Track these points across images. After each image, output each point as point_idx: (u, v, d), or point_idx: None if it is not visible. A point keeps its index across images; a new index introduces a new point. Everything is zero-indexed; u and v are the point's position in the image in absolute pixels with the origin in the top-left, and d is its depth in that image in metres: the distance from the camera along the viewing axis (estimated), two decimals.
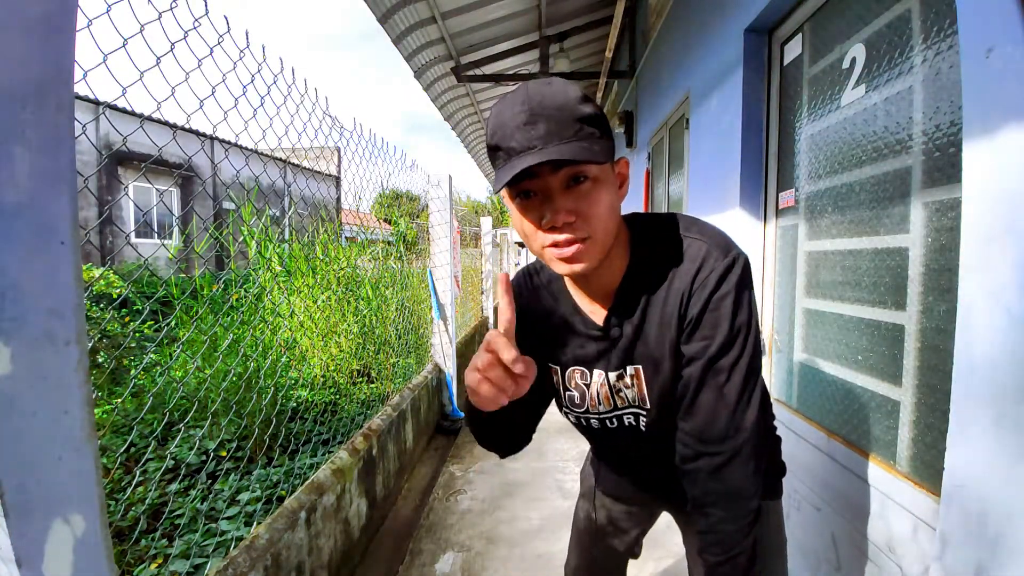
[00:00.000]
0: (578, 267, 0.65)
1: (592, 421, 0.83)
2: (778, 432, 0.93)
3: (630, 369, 0.75)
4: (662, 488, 0.93)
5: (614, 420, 0.81)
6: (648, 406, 0.77)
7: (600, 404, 0.80)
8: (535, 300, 0.83)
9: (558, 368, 0.82)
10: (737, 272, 0.67)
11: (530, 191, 0.64)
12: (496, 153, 0.63)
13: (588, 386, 0.80)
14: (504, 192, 0.66)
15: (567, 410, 0.85)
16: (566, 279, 0.79)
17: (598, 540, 1.07)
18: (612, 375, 0.77)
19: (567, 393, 0.83)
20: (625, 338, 0.74)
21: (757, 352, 0.69)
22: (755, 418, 0.69)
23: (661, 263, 0.70)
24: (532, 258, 0.83)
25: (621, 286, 0.73)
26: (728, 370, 0.67)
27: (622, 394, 0.78)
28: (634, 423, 0.80)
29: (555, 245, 0.64)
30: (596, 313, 0.76)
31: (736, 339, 0.67)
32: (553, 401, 0.88)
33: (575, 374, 0.80)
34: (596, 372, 0.78)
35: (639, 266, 0.72)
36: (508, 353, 0.57)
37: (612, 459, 0.98)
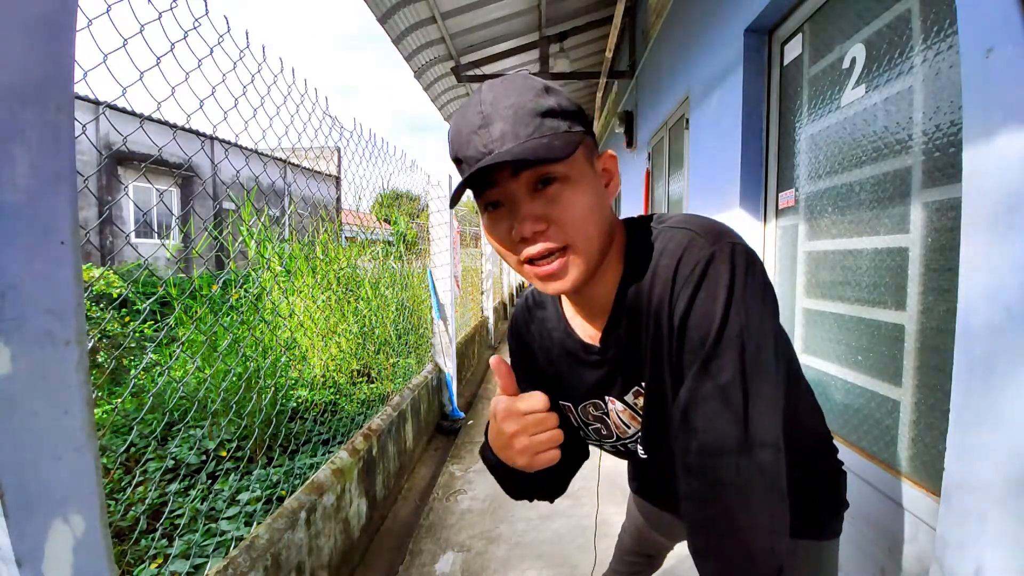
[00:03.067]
0: (564, 283, 0.57)
1: (630, 446, 0.74)
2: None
3: (645, 387, 0.65)
4: (676, 511, 0.88)
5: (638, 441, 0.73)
6: (641, 429, 0.70)
7: (629, 427, 0.71)
8: (535, 333, 0.77)
9: (571, 405, 0.75)
10: (725, 262, 0.54)
11: (496, 202, 0.56)
12: (459, 165, 0.57)
13: (607, 415, 0.72)
14: (476, 206, 0.59)
15: (600, 443, 0.78)
16: (561, 300, 0.73)
17: (640, 522, 1.09)
18: (628, 397, 0.68)
19: (591, 427, 0.76)
20: (623, 357, 0.65)
21: (766, 367, 0.54)
22: (774, 449, 0.53)
23: (649, 264, 0.60)
24: None
25: (616, 299, 0.63)
26: (720, 394, 0.53)
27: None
28: (632, 447, 0.75)
29: (531, 261, 0.56)
30: (594, 335, 0.68)
31: (730, 352, 0.53)
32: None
33: (589, 408, 0.73)
34: (608, 399, 0.70)
35: (632, 273, 0.62)
36: (538, 402, 0.59)
37: (631, 476, 0.97)
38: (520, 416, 0.60)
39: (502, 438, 0.61)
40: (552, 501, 0.78)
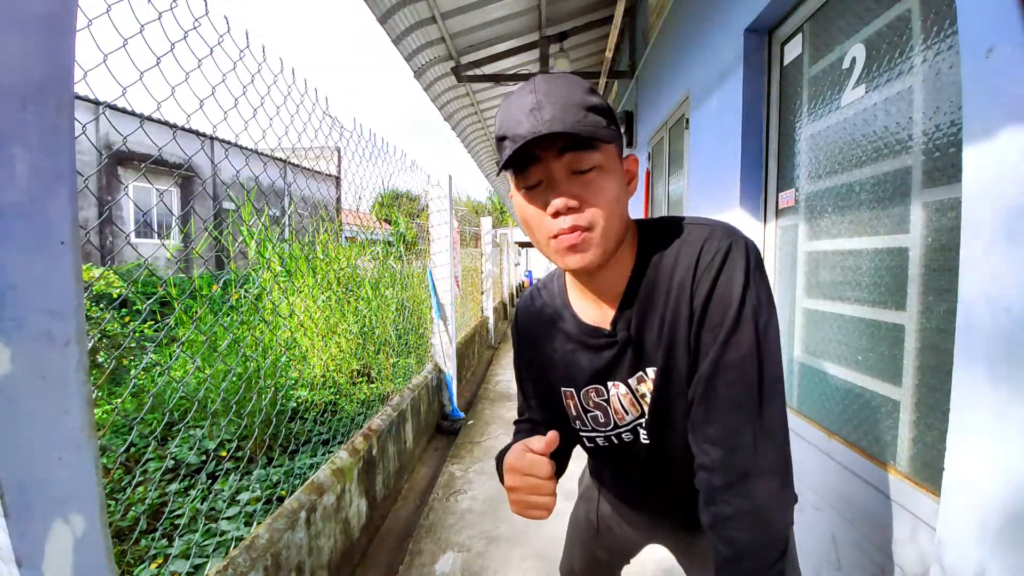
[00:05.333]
0: (583, 258, 0.62)
1: (624, 435, 0.77)
2: None
3: (650, 372, 0.70)
4: (665, 512, 0.87)
5: (641, 427, 0.75)
6: (648, 411, 0.72)
7: (628, 413, 0.75)
8: (541, 323, 0.80)
9: (573, 391, 0.78)
10: (741, 253, 0.62)
11: (536, 183, 0.63)
12: (503, 142, 0.63)
13: (607, 401, 0.76)
14: (512, 187, 0.66)
15: (594, 434, 0.80)
16: (568, 291, 0.77)
17: (595, 545, 1.05)
18: (632, 381, 0.72)
19: (589, 415, 0.78)
20: (635, 339, 0.69)
21: (774, 345, 0.62)
22: (780, 421, 0.61)
23: (666, 253, 0.67)
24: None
25: (629, 284, 0.69)
26: (739, 365, 0.60)
27: (647, 399, 0.72)
28: (635, 435, 0.76)
29: (558, 236, 0.62)
30: (603, 319, 0.72)
31: (747, 328, 0.60)
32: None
33: (591, 393, 0.77)
34: (611, 384, 0.74)
35: (646, 262, 0.68)
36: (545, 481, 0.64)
37: (617, 479, 0.91)
38: (521, 475, 0.66)
39: (505, 482, 0.68)
40: None
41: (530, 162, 0.61)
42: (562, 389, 0.80)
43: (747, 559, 0.59)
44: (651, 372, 0.70)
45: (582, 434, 0.82)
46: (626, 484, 0.90)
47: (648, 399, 0.72)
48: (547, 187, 0.62)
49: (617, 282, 0.70)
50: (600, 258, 0.63)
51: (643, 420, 0.74)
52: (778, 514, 0.60)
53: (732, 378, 0.60)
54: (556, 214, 0.61)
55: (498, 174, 0.67)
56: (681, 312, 0.64)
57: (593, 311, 0.74)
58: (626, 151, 4.53)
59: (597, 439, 0.80)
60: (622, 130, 4.36)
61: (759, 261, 0.63)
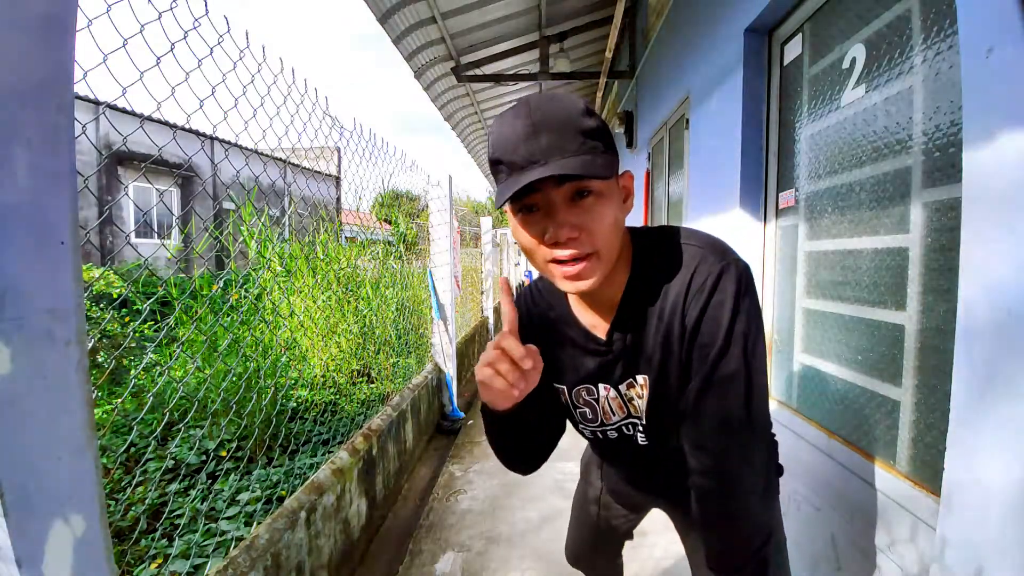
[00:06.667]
0: (584, 284, 0.63)
1: (610, 432, 0.82)
2: (777, 433, 0.92)
3: (639, 379, 0.73)
4: (661, 493, 0.95)
5: (629, 427, 0.80)
6: (644, 417, 0.76)
7: (615, 414, 0.79)
8: (538, 321, 0.82)
9: (564, 388, 0.81)
10: (732, 276, 0.64)
11: (533, 205, 0.62)
12: (498, 167, 0.62)
13: (597, 400, 0.79)
14: (507, 205, 0.65)
15: (582, 426, 0.85)
16: (568, 294, 0.79)
17: (597, 525, 1.12)
18: (622, 387, 0.75)
19: (578, 410, 0.82)
20: (628, 350, 0.72)
21: (760, 362, 0.65)
22: (764, 430, 0.66)
23: (660, 272, 0.69)
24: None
25: (623, 298, 0.71)
26: (728, 383, 0.64)
27: (634, 403, 0.76)
28: (631, 432, 0.80)
29: (558, 261, 0.62)
30: (599, 327, 0.75)
31: (735, 348, 0.63)
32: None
33: (581, 391, 0.79)
34: (601, 386, 0.77)
35: (640, 277, 0.70)
36: (517, 350, 0.61)
37: (614, 464, 0.98)
38: (493, 347, 0.64)
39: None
40: (525, 473, 0.83)
41: (526, 192, 0.60)
42: (554, 384, 0.83)
43: (734, 550, 0.67)
44: (640, 379, 0.73)
45: (581, 428, 0.86)
46: (623, 470, 0.97)
47: (635, 402, 0.75)
48: (545, 214, 0.62)
49: (612, 294, 0.72)
50: (599, 282, 0.64)
51: (630, 421, 0.78)
52: (762, 511, 0.67)
53: (721, 394, 0.65)
54: (555, 244, 0.62)
55: (498, 207, 0.64)
56: (673, 330, 0.68)
57: (589, 317, 0.76)
58: (626, 152, 4.54)
59: (585, 431, 0.85)
60: (622, 130, 4.38)
61: (750, 283, 0.66)
